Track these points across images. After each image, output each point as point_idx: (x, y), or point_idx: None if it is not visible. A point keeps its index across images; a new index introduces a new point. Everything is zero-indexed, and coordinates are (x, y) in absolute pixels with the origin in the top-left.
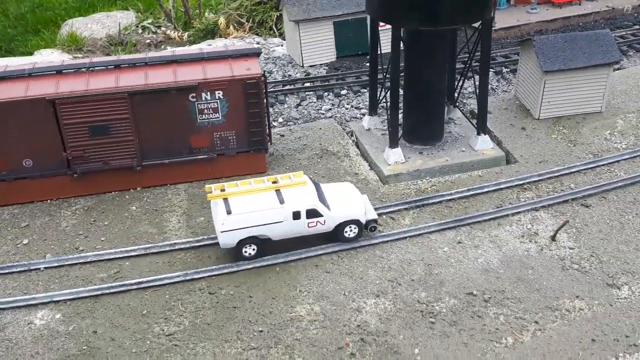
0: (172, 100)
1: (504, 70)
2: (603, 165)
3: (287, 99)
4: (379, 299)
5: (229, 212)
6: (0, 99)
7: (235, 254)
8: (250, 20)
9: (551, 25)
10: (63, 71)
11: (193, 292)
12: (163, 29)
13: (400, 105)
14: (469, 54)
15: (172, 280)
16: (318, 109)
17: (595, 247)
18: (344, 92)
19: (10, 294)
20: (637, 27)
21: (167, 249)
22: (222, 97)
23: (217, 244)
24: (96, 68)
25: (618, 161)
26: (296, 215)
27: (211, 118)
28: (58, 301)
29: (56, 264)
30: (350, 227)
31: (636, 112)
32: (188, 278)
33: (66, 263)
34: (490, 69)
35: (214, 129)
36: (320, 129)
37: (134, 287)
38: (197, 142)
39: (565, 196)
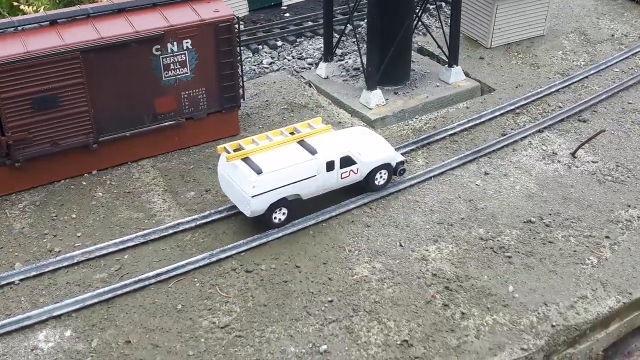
0: (132, 56)
1: (444, 5)
2: (576, 82)
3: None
4: (439, 243)
5: (259, 172)
6: None
7: (264, 221)
8: None
9: None
10: None
11: (227, 275)
12: None
13: (364, 48)
14: None
15: (197, 265)
16: (258, 64)
17: (615, 157)
18: (279, 43)
19: None
20: None
21: (171, 231)
22: (190, 47)
23: (229, 216)
24: (26, 27)
25: (586, 77)
26: (330, 166)
27: (178, 74)
28: (59, 315)
29: (34, 273)
30: (380, 172)
31: (574, 31)
32: (214, 259)
33: (47, 270)
34: (430, 6)
35: (182, 87)
36: (275, 82)
37: (153, 280)
38: (163, 106)
39: (562, 114)
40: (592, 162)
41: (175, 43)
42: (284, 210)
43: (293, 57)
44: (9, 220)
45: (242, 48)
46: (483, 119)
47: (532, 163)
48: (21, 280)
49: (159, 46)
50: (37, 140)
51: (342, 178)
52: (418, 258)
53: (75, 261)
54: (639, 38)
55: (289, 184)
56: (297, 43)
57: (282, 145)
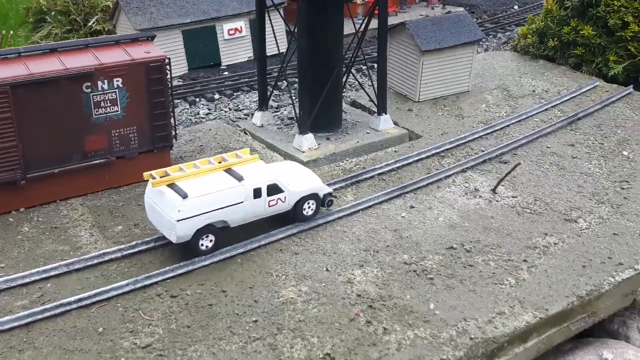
0: (62, 93)
1: (363, 68)
2: (498, 130)
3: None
4: (365, 268)
5: (184, 197)
6: None
7: (189, 249)
8: None
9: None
10: None
11: (152, 300)
12: None
13: (295, 97)
14: (358, 39)
15: (121, 291)
16: (195, 114)
17: (534, 193)
18: (217, 96)
19: None
20: None
21: (96, 261)
22: (121, 85)
23: (156, 247)
24: None
25: (508, 125)
26: (257, 193)
27: (109, 112)
28: None
29: None
30: (308, 203)
31: (497, 88)
32: (139, 285)
33: None
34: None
35: (112, 125)
36: (210, 129)
37: (74, 305)
38: (93, 144)
39: (484, 156)
40: (512, 197)
41: (105, 81)
42: (211, 237)
43: (230, 109)
44: None
45: (179, 100)
46: (410, 160)
47: (455, 198)
48: None
49: (89, 83)
50: None
51: (269, 206)
52: (344, 281)
53: None
54: (557, 93)
55: (215, 210)
56: (234, 96)
57: (209, 172)
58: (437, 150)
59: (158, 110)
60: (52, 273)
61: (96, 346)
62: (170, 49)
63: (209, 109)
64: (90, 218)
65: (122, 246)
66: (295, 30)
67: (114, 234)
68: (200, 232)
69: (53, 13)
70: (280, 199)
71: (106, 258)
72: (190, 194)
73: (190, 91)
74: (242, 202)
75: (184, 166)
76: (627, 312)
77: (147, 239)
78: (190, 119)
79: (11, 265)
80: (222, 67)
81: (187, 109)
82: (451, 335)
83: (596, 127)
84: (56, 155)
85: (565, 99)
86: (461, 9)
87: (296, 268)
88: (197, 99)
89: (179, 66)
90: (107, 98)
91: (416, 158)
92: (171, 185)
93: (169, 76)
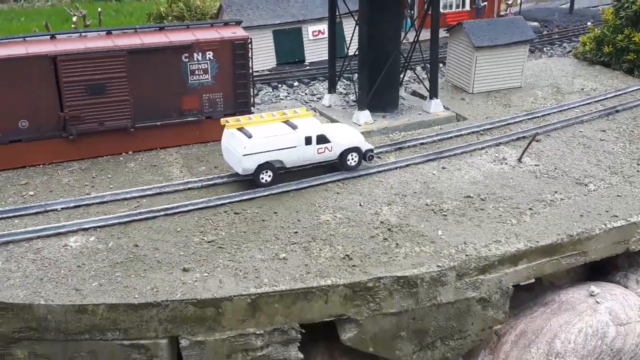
0: (166, 60)
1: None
2: (538, 117)
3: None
4: (392, 205)
5: (249, 137)
6: (2, 56)
7: (251, 181)
8: None
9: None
10: (57, 36)
11: (220, 214)
12: None
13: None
14: (416, 31)
15: (197, 207)
16: (276, 96)
17: (555, 163)
18: (295, 83)
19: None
20: None
21: (181, 187)
22: (212, 57)
23: (228, 182)
24: (88, 34)
25: (549, 114)
26: (308, 140)
27: (201, 79)
28: (87, 228)
29: (73, 204)
30: (352, 154)
31: (549, 85)
32: (211, 204)
33: (83, 203)
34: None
35: (204, 90)
36: (285, 106)
37: (162, 213)
38: (188, 104)
39: (518, 134)
40: (535, 165)
41: (200, 53)
42: (270, 173)
43: (306, 94)
44: (60, 177)
45: (263, 85)
46: (450, 135)
47: (484, 163)
48: (62, 208)
49: (187, 54)
50: (87, 119)
51: (318, 153)
52: (372, 213)
53: (105, 200)
54: (604, 92)
55: (273, 150)
56: (310, 84)
57: (271, 122)
58: (477, 129)
59: (240, 81)
60: (148, 192)
61: (174, 239)
62: (262, 46)
63: (288, 93)
64: (181, 161)
65: (202, 177)
66: (357, 21)
67: (198, 172)
68: (261, 168)
69: (170, 18)
70: (327, 148)
71: (189, 186)
72: (254, 135)
73: (274, 79)
74: (295, 146)
75: (253, 116)
76: (631, 267)
77: (222, 175)
78: (272, 100)
79: (118, 187)
80: (305, 63)
81: (270, 92)
82: (450, 253)
83: (632, 119)
84: (159, 111)
85: (609, 95)
86: (536, 23)
87: (336, 202)
88: (279, 85)
89: (268, 61)
90: (200, 67)
91: (457, 133)
92: (240, 129)
93: (250, 53)
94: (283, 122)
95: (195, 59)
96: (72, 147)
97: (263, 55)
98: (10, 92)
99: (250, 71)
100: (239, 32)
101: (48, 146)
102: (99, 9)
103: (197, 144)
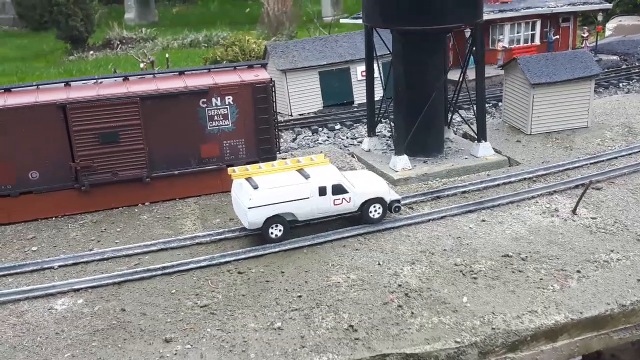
0: (182, 106)
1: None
2: (603, 160)
3: (282, 134)
4: (415, 265)
5: (255, 187)
6: (10, 105)
7: (262, 236)
8: None
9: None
10: (71, 84)
11: (222, 274)
12: None
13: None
14: (461, 70)
15: (199, 265)
16: (314, 141)
17: (616, 216)
18: (337, 126)
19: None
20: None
21: (188, 242)
22: (232, 102)
23: (240, 237)
24: (104, 81)
25: (616, 157)
26: (322, 191)
27: (221, 125)
28: (78, 289)
29: (72, 262)
30: (374, 206)
31: (620, 125)
32: (214, 262)
33: (82, 260)
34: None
35: (224, 136)
36: (321, 151)
37: (159, 272)
38: (207, 152)
39: (576, 181)
40: (591, 218)
41: (218, 98)
42: (280, 227)
43: (347, 137)
44: (68, 230)
45: (303, 129)
46: (497, 182)
47: (531, 216)
48: (60, 266)
49: (204, 99)
50: (100, 169)
51: (335, 204)
52: (390, 274)
53: (105, 256)
54: None
55: (283, 202)
56: (353, 127)
57: (282, 171)
58: (530, 175)
59: (263, 126)
60: (152, 248)
61: (165, 302)
62: (307, 88)
63: (327, 137)
64: (197, 212)
65: (211, 232)
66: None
67: (212, 225)
68: (270, 221)
69: (225, 62)
70: (345, 199)
71: (197, 241)
72: (261, 185)
73: (314, 122)
74: (308, 197)
75: (263, 165)
76: None
77: (233, 228)
78: (309, 144)
79: (123, 243)
80: (354, 105)
81: (309, 136)
82: (474, 324)
83: None
84: (176, 159)
85: None
86: (615, 56)
87: (352, 260)
88: (320, 128)
89: (314, 103)
90: (219, 113)
91: (504, 180)
92: (248, 179)
93: (273, 97)
94: (296, 170)
95: (213, 104)
96: (85, 199)
97: (308, 98)
98: (20, 142)
99: (275, 116)
100: (261, 75)
101: (59, 198)
102: (167, 55)
103: (218, 194)
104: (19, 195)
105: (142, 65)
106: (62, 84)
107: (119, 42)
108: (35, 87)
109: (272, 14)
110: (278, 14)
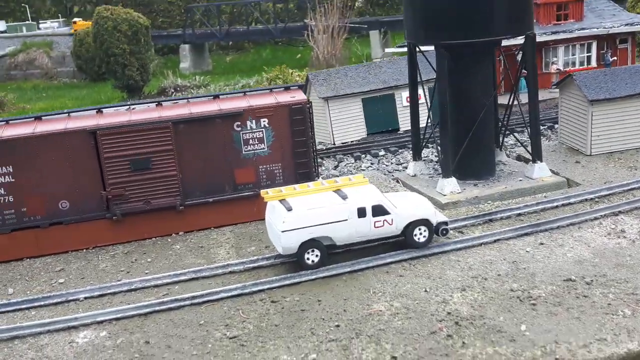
0: (216, 130)
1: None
2: None
3: (324, 161)
4: (466, 291)
5: (289, 209)
6: (39, 132)
7: (298, 262)
8: None
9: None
10: (103, 110)
11: (254, 303)
12: None
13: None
14: (513, 86)
15: (230, 294)
16: (357, 167)
17: None
18: (381, 152)
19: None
20: None
21: (220, 272)
22: (267, 125)
23: (275, 265)
24: (136, 107)
25: None
26: (361, 212)
27: (256, 149)
28: (102, 321)
29: (98, 293)
30: (419, 228)
31: None
32: (246, 291)
33: (109, 291)
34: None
35: (259, 161)
36: (364, 177)
37: (188, 302)
38: (242, 177)
39: None
40: None
41: (254, 121)
42: (317, 252)
43: (391, 163)
44: (98, 262)
45: (345, 156)
46: (555, 204)
47: (594, 238)
48: (85, 297)
49: (239, 123)
50: (132, 198)
51: (376, 227)
52: (439, 301)
53: (132, 287)
54: None
55: (319, 225)
56: (398, 153)
57: (318, 192)
58: (591, 196)
59: (300, 149)
60: (182, 278)
61: (192, 334)
62: (350, 116)
63: (371, 163)
64: (232, 241)
65: (244, 260)
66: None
67: (246, 253)
68: (306, 246)
69: None
70: (386, 221)
71: (230, 269)
72: (295, 207)
73: (357, 148)
74: (347, 219)
75: (297, 186)
76: None
77: (267, 255)
78: (351, 171)
79: (153, 272)
80: (399, 132)
81: (352, 163)
82: (534, 355)
83: None
84: (211, 186)
85: None
86: None
87: (396, 288)
88: (363, 155)
89: (358, 131)
90: (255, 136)
91: (564, 202)
92: (281, 201)
93: (311, 118)
94: (333, 191)
95: (248, 127)
96: (117, 229)
97: (352, 126)
98: (50, 171)
99: (312, 138)
100: (297, 96)
101: (91, 228)
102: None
103: (254, 222)
104: (48, 226)
105: None
106: (94, 111)
107: (173, 90)
108: (67, 114)
109: (322, 57)
110: (328, 57)
